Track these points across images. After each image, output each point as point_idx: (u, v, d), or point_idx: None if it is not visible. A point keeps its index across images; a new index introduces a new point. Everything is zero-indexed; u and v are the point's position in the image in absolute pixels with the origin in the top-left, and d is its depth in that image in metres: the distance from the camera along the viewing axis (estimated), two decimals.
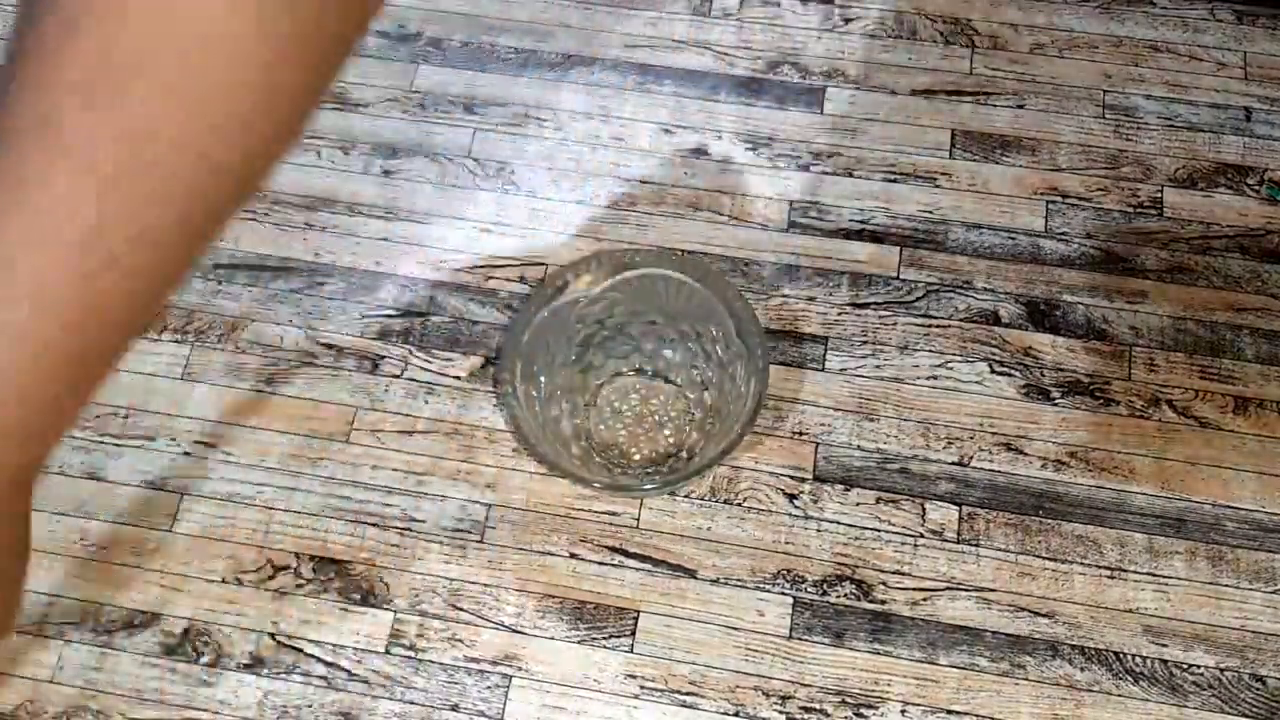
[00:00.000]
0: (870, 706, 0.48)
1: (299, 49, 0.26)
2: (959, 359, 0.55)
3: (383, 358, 0.56)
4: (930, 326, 0.56)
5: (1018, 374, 0.55)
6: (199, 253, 0.28)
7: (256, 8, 0.25)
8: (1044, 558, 0.51)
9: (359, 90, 0.63)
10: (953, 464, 0.53)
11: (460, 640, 0.50)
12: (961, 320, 0.56)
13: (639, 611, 0.50)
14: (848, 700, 0.48)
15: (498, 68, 0.64)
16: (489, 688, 0.49)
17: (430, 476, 0.53)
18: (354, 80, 0.63)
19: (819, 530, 0.51)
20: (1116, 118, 0.61)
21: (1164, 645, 0.49)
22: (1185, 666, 0.49)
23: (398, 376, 0.55)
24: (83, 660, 0.49)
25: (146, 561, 0.51)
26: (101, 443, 0.54)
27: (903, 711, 0.48)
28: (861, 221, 0.59)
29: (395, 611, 0.50)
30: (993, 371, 0.55)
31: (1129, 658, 0.49)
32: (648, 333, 0.53)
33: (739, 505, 0.52)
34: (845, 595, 0.50)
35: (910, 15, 0.65)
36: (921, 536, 0.51)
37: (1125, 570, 0.50)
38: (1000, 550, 0.51)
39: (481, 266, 0.58)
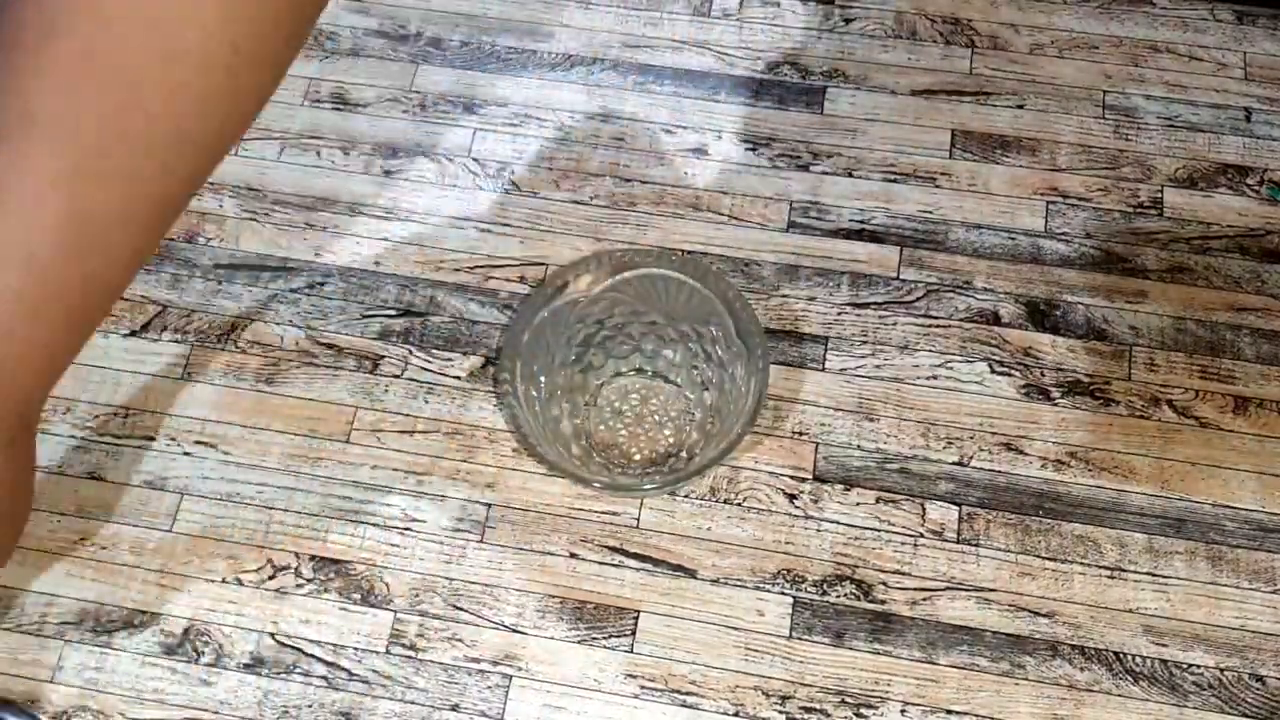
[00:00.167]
0: (870, 706, 0.48)
1: (256, 50, 0.29)
2: (959, 359, 0.55)
3: (383, 358, 0.56)
4: (930, 326, 0.56)
5: (1018, 374, 0.55)
6: (173, 217, 0.31)
7: (220, 22, 0.27)
8: (1044, 558, 0.51)
9: (359, 90, 0.63)
10: (953, 464, 0.53)
11: (460, 640, 0.50)
12: (961, 320, 0.56)
13: (639, 611, 0.50)
14: (848, 700, 0.48)
15: (498, 68, 0.64)
16: (489, 688, 0.49)
17: (430, 476, 0.53)
18: (354, 80, 0.63)
19: (819, 530, 0.51)
20: (1116, 118, 0.61)
21: (1164, 645, 0.49)
22: (1185, 666, 0.49)
23: (398, 376, 0.55)
24: (83, 660, 0.50)
25: (146, 561, 0.51)
26: (101, 443, 0.54)
27: (903, 711, 0.48)
28: (861, 221, 0.59)
29: (395, 611, 0.50)
30: (993, 371, 0.55)
31: (1129, 658, 0.49)
32: (648, 333, 0.53)
33: (739, 505, 0.52)
34: (845, 595, 0.50)
35: (910, 15, 0.65)
36: (921, 536, 0.51)
37: (1125, 570, 0.50)
38: (1000, 550, 0.51)
39: (481, 266, 0.58)
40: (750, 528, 0.52)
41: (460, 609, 0.50)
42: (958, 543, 0.51)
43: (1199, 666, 0.49)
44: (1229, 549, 0.51)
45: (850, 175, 0.60)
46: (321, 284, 0.58)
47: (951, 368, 0.55)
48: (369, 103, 0.63)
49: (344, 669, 0.49)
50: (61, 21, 0.26)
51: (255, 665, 0.49)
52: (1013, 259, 0.58)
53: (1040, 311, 0.56)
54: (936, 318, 0.56)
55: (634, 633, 0.50)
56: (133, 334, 0.56)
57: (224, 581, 0.51)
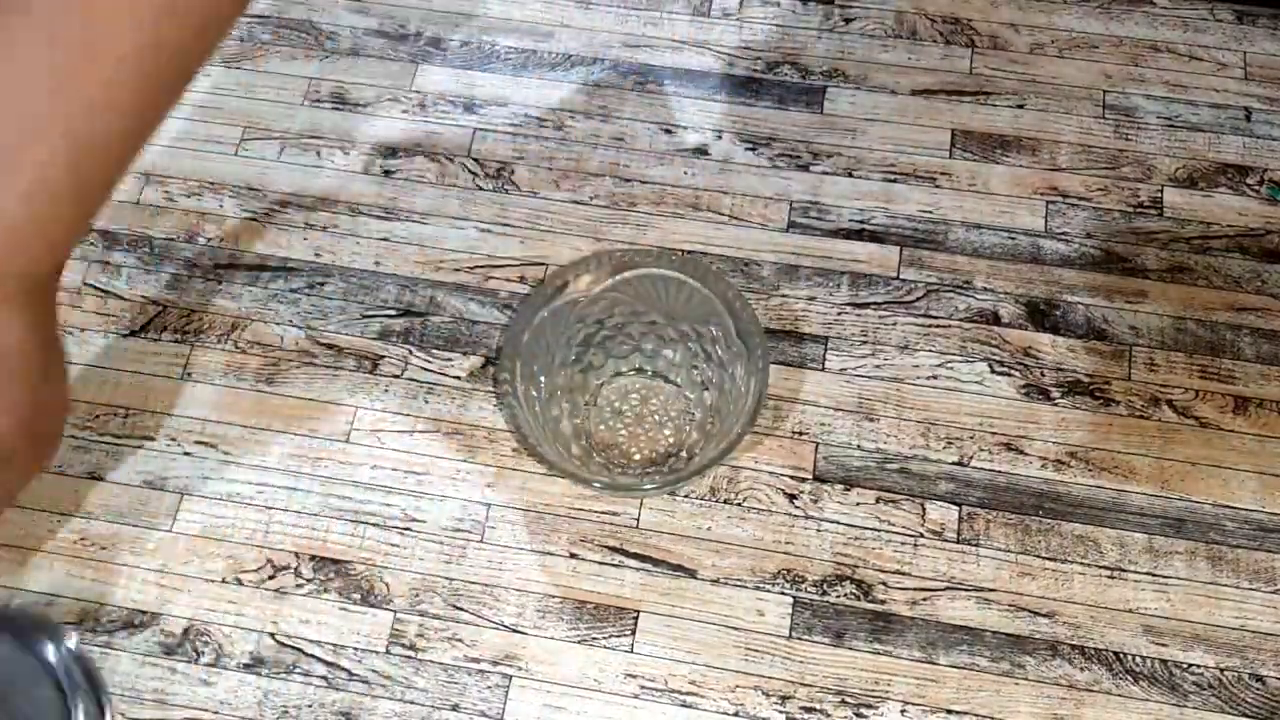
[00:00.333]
0: (870, 706, 0.48)
1: None
2: (959, 359, 0.55)
3: (383, 358, 0.56)
4: (930, 326, 0.56)
5: (1018, 374, 0.55)
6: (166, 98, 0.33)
7: None
8: (1044, 558, 0.51)
9: (359, 90, 0.63)
10: (953, 464, 0.53)
11: (460, 640, 0.50)
12: (961, 320, 0.56)
13: (639, 611, 0.50)
14: (848, 700, 0.48)
15: (498, 68, 0.64)
16: (489, 688, 0.49)
17: (430, 476, 0.53)
18: (354, 80, 0.63)
19: (819, 530, 0.51)
20: (1116, 118, 0.61)
21: (1164, 645, 0.49)
22: (1185, 666, 0.49)
23: (398, 376, 0.55)
24: None
25: (146, 561, 0.51)
26: (101, 443, 0.54)
27: (903, 711, 0.48)
28: (861, 221, 0.59)
29: (395, 611, 0.50)
30: (993, 371, 0.55)
31: (1129, 658, 0.49)
32: (648, 333, 0.53)
33: (739, 505, 0.52)
34: (845, 595, 0.50)
35: (910, 15, 0.65)
36: (921, 536, 0.51)
37: (1125, 570, 0.50)
38: (1000, 550, 0.51)
39: (481, 266, 0.58)
40: (750, 528, 0.52)
41: (460, 609, 0.50)
42: (958, 543, 0.51)
43: (1199, 666, 0.49)
44: (1229, 549, 0.51)
45: (850, 175, 0.60)
46: (321, 284, 0.58)
47: (951, 368, 0.55)
48: (369, 103, 0.63)
49: (344, 669, 0.49)
50: None
51: (255, 665, 0.49)
52: (1013, 259, 0.58)
53: (1040, 311, 0.56)
54: (936, 318, 0.56)
55: (634, 633, 0.50)
56: (133, 334, 0.56)
57: (224, 581, 0.51)
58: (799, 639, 0.49)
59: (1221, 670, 0.49)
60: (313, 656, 0.49)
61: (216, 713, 0.48)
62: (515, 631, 0.50)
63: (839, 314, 0.56)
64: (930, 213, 0.59)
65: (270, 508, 0.52)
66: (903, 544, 0.51)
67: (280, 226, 0.59)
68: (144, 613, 0.50)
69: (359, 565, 0.51)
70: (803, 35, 0.64)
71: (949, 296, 0.57)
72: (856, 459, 0.53)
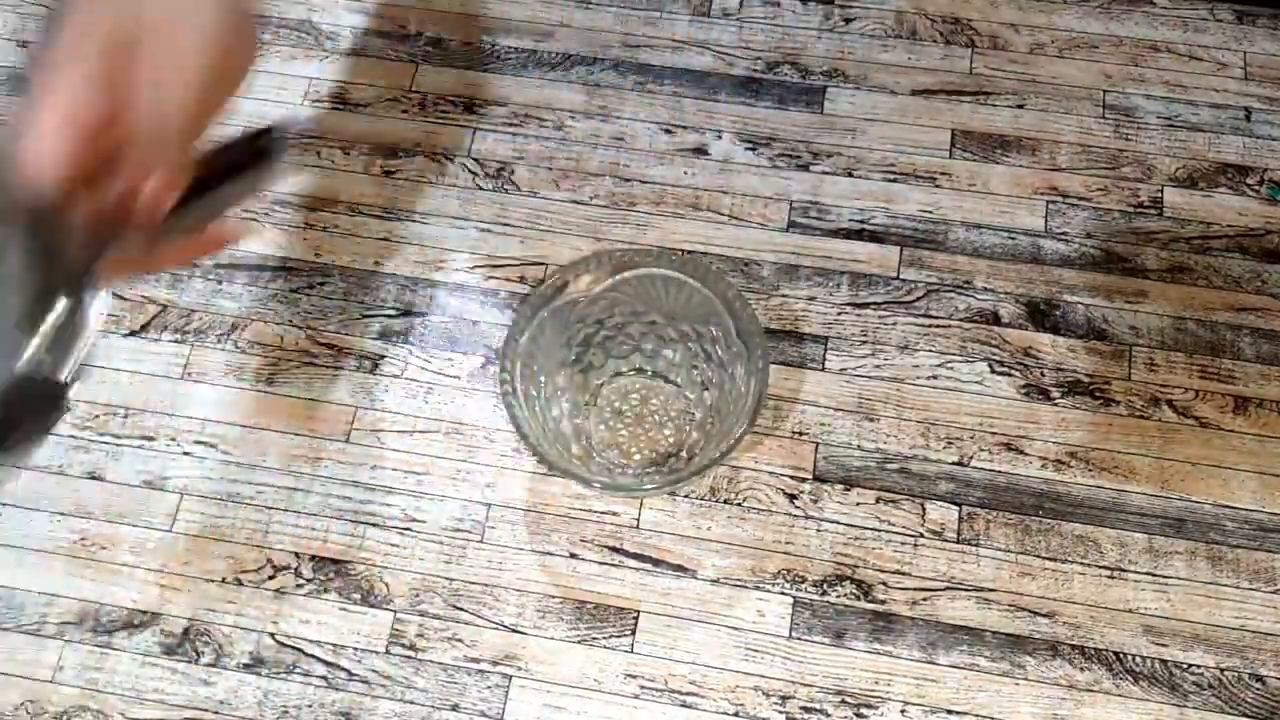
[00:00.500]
0: (870, 706, 0.48)
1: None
2: (959, 359, 0.55)
3: (383, 358, 0.56)
4: (930, 326, 0.56)
5: (1018, 374, 0.55)
6: None
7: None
8: (1044, 558, 0.51)
9: (359, 90, 0.63)
10: (953, 464, 0.53)
11: (460, 640, 0.50)
12: (961, 320, 0.56)
13: (639, 611, 0.50)
14: (848, 700, 0.48)
15: (498, 68, 0.64)
16: (489, 688, 0.49)
17: (430, 476, 0.53)
18: (354, 80, 0.63)
19: (819, 530, 0.51)
20: (1116, 118, 0.61)
21: (1164, 645, 0.49)
22: (1185, 666, 0.49)
23: (398, 376, 0.55)
24: (83, 660, 0.50)
25: (146, 561, 0.51)
26: (101, 443, 0.54)
27: (903, 711, 0.48)
28: (861, 221, 0.59)
29: (395, 611, 0.50)
30: (993, 371, 0.55)
31: (1129, 658, 0.49)
32: (648, 333, 0.53)
33: (739, 505, 0.52)
34: (845, 595, 0.50)
35: (910, 15, 0.65)
36: (921, 536, 0.51)
37: (1125, 570, 0.50)
38: (1000, 550, 0.51)
39: (481, 266, 0.58)
40: (750, 528, 0.52)
41: (460, 609, 0.50)
42: (958, 543, 0.51)
43: (1199, 666, 0.49)
44: (1229, 549, 0.51)
45: (850, 175, 0.60)
46: (321, 284, 0.58)
47: (951, 368, 0.55)
48: (369, 102, 0.63)
49: (344, 669, 0.49)
50: None
51: (255, 665, 0.49)
52: (1013, 259, 0.58)
53: (1040, 311, 0.56)
54: (936, 318, 0.56)
55: (634, 633, 0.50)
56: (133, 334, 0.56)
57: (224, 581, 0.51)
58: (799, 639, 0.49)
59: (1221, 670, 0.49)
60: (313, 657, 0.49)
61: (216, 713, 0.48)
62: (515, 631, 0.50)
63: (839, 314, 0.56)
64: (930, 213, 0.59)
65: (270, 508, 0.52)
66: (903, 544, 0.51)
67: (280, 226, 0.59)
68: (144, 613, 0.50)
69: (359, 565, 0.51)
70: (803, 35, 0.64)
71: (949, 296, 0.57)
72: (856, 459, 0.53)
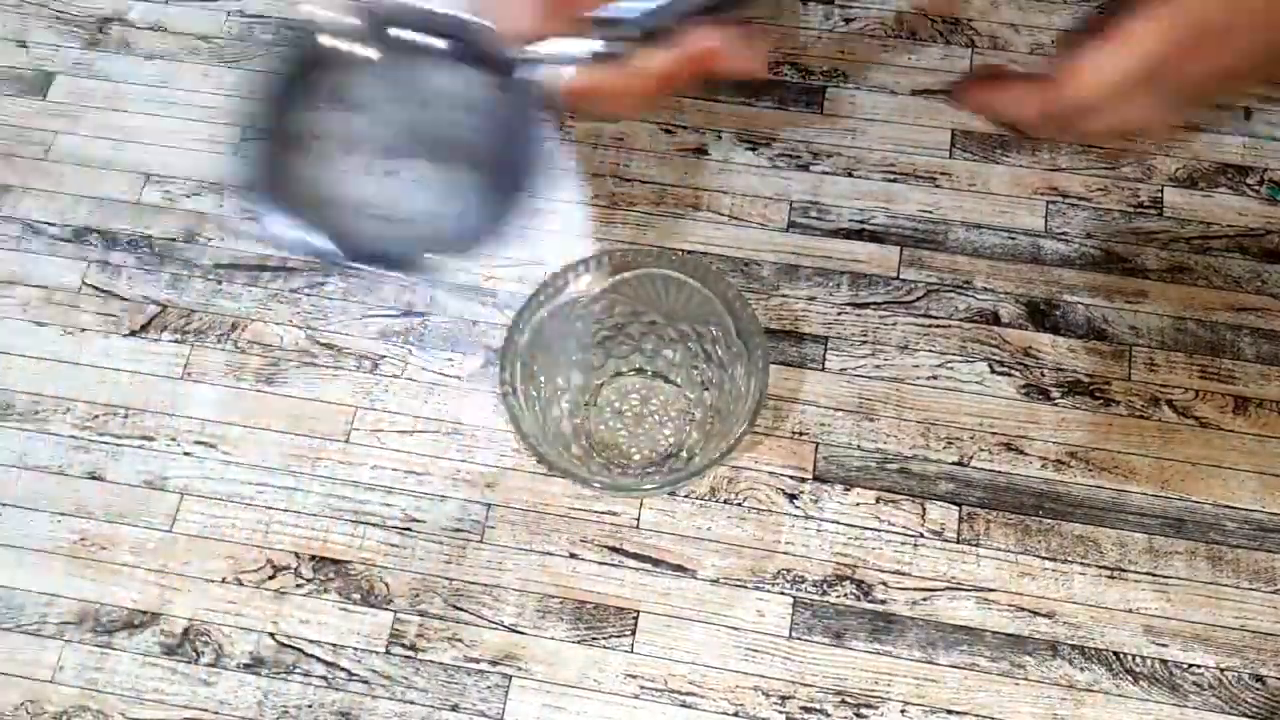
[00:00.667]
0: (870, 706, 0.48)
1: None
2: (959, 359, 0.55)
3: (383, 358, 0.56)
4: (930, 326, 0.56)
5: (1018, 374, 0.55)
6: None
7: None
8: (1044, 558, 0.51)
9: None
10: (953, 464, 0.53)
11: (460, 640, 0.50)
12: (961, 320, 0.56)
13: (639, 611, 0.50)
14: (848, 700, 0.48)
15: None
16: (489, 688, 0.49)
17: (430, 476, 0.53)
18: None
19: (819, 530, 0.51)
20: None
21: (1164, 645, 0.49)
22: (1185, 666, 0.49)
23: (398, 376, 0.55)
24: (83, 660, 0.50)
25: (146, 561, 0.51)
26: (101, 443, 0.54)
27: (903, 711, 0.48)
28: (861, 221, 0.59)
29: (395, 611, 0.50)
30: (993, 371, 0.55)
31: (1129, 658, 0.49)
32: (648, 333, 0.53)
33: (739, 505, 0.52)
34: (845, 595, 0.50)
35: (910, 15, 0.65)
36: (921, 536, 0.51)
37: (1125, 570, 0.50)
38: (1000, 550, 0.51)
39: (481, 266, 0.58)
40: (750, 528, 0.52)
41: (460, 609, 0.50)
42: (958, 543, 0.51)
43: (1199, 666, 0.49)
44: (1229, 549, 0.51)
45: (850, 175, 0.60)
46: (321, 284, 0.58)
47: (951, 368, 0.55)
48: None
49: (344, 669, 0.49)
50: None
51: (255, 665, 0.49)
52: (1013, 259, 0.58)
53: (1040, 311, 0.56)
54: (936, 318, 0.56)
55: (634, 633, 0.50)
56: (133, 334, 0.56)
57: (224, 581, 0.51)
58: (799, 639, 0.49)
59: (1221, 670, 0.49)
60: (313, 657, 0.49)
61: (216, 713, 0.49)
62: (515, 631, 0.50)
63: (839, 314, 0.56)
64: (930, 213, 0.59)
65: (270, 508, 0.52)
66: (903, 544, 0.51)
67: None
68: (144, 613, 0.50)
69: (359, 565, 0.51)
70: (803, 35, 0.64)
71: (949, 296, 0.57)
72: (856, 459, 0.53)
